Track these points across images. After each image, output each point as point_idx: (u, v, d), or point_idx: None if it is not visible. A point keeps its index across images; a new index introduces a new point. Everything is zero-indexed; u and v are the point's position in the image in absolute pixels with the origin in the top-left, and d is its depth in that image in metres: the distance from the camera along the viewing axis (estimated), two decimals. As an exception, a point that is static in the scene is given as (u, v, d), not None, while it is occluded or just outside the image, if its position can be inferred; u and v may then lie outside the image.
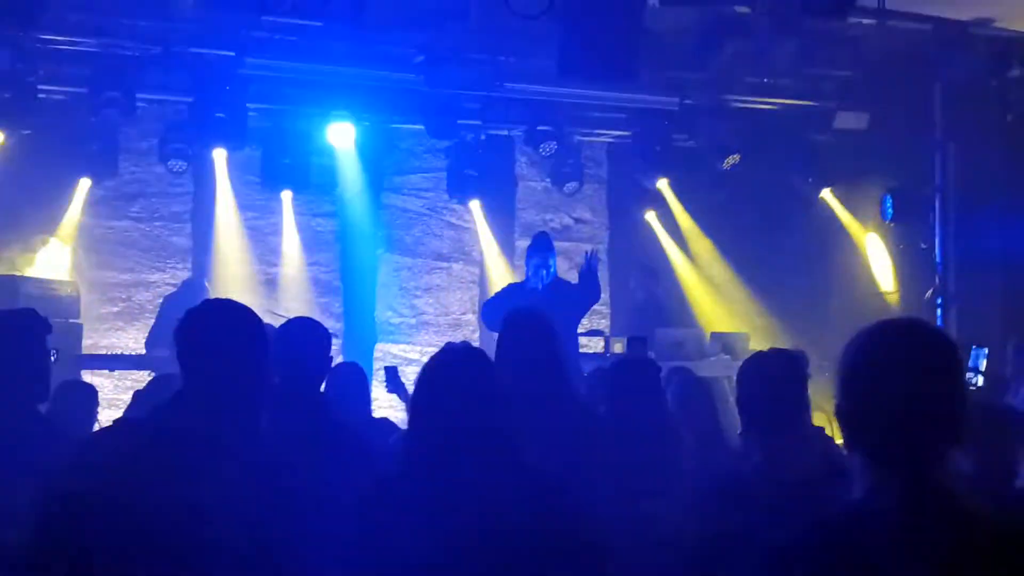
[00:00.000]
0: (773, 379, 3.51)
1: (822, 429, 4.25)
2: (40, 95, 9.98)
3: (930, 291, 11.22)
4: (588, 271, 8.93)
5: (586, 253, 9.17)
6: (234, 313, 2.92)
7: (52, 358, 3.82)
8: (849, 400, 2.10)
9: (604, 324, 12.32)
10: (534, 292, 8.59)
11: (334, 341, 4.60)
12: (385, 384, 7.13)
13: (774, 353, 3.63)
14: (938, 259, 11.30)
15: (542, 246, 8.93)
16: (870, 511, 2.03)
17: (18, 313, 3.87)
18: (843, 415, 2.11)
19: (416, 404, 3.07)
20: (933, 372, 2.05)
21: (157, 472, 2.62)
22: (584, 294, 8.91)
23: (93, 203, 10.96)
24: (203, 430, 2.69)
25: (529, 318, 4.75)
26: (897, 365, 2.06)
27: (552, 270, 8.81)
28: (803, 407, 3.57)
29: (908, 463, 2.02)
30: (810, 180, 11.94)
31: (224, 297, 4.54)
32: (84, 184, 10.70)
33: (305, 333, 4.31)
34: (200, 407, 2.74)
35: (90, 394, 5.96)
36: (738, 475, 3.55)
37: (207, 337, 2.82)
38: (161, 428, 2.79)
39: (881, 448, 2.04)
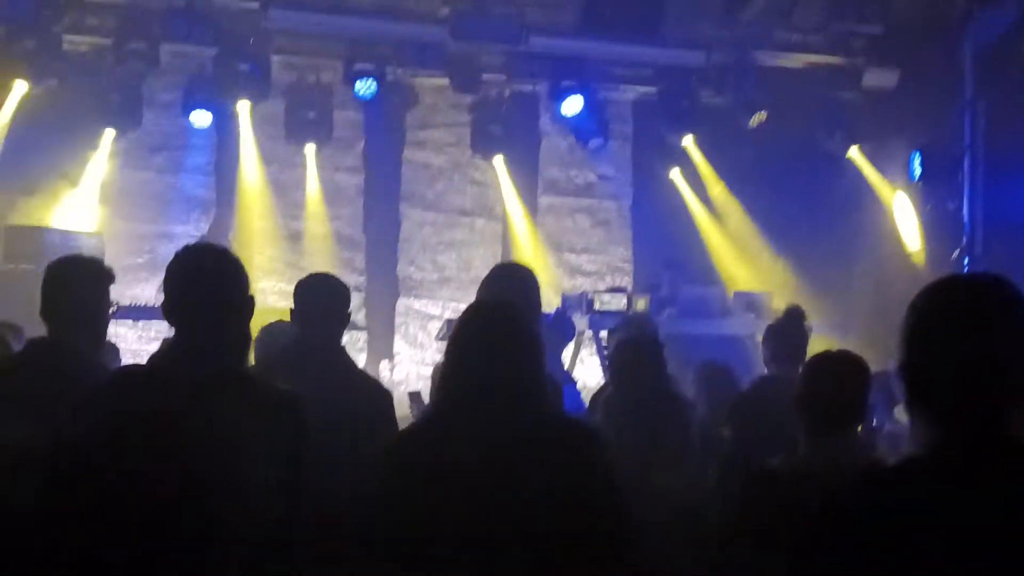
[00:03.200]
0: (841, 385, 3.56)
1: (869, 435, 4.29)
2: (65, 45, 9.99)
3: (957, 252, 11.09)
4: (560, 314, 9.47)
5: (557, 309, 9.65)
6: (218, 261, 2.92)
7: (112, 310, 3.76)
8: (918, 354, 2.06)
9: (627, 281, 12.30)
10: None
11: (357, 296, 4.57)
12: (410, 408, 7.12)
13: (843, 357, 3.66)
14: (966, 219, 11.13)
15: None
16: (934, 464, 2.01)
17: (89, 260, 3.80)
18: (909, 369, 2.07)
19: (446, 357, 3.08)
20: (1007, 328, 2.03)
21: (150, 418, 2.64)
22: (558, 332, 9.39)
23: (117, 154, 10.99)
24: (193, 377, 2.70)
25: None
26: (971, 320, 2.03)
27: None
28: (863, 413, 3.65)
29: (976, 418, 2.00)
30: (837, 138, 11.80)
31: (206, 243, 4.55)
32: (108, 135, 10.73)
33: (323, 287, 4.30)
34: (190, 354, 2.75)
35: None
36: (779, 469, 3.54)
37: (190, 287, 2.84)
38: (154, 375, 2.81)
39: (950, 403, 2.02)
